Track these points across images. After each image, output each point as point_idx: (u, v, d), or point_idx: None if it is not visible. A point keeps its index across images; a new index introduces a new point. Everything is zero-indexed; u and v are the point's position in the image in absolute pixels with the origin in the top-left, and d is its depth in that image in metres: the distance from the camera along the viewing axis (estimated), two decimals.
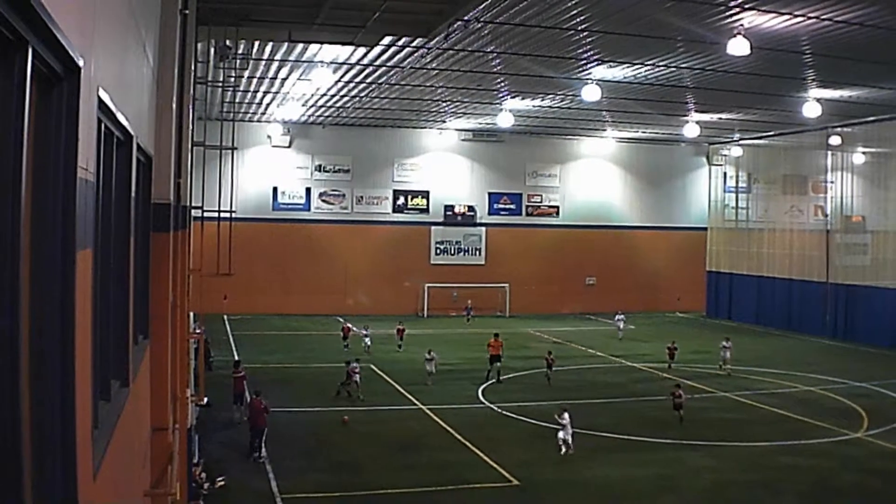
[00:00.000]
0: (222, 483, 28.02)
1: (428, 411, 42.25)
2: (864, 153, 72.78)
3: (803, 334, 72.95)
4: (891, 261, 67.43)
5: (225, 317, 70.10)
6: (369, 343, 57.28)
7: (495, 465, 33.26)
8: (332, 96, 62.73)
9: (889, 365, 57.74)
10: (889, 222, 67.71)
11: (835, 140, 71.60)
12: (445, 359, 55.68)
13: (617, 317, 67.91)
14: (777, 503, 29.55)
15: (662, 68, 48.62)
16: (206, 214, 36.01)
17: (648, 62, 47.46)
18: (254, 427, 33.45)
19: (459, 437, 37.34)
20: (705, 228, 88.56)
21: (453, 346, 62.62)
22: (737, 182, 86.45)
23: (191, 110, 27.19)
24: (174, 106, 17.22)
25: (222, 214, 35.84)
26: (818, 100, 54.06)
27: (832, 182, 74.67)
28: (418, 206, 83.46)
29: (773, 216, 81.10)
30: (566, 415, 34.69)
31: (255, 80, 56.13)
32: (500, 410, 42.82)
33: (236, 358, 45.19)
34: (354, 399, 43.32)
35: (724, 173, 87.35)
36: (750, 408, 44.91)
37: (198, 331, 36.25)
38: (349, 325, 61.24)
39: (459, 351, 60.37)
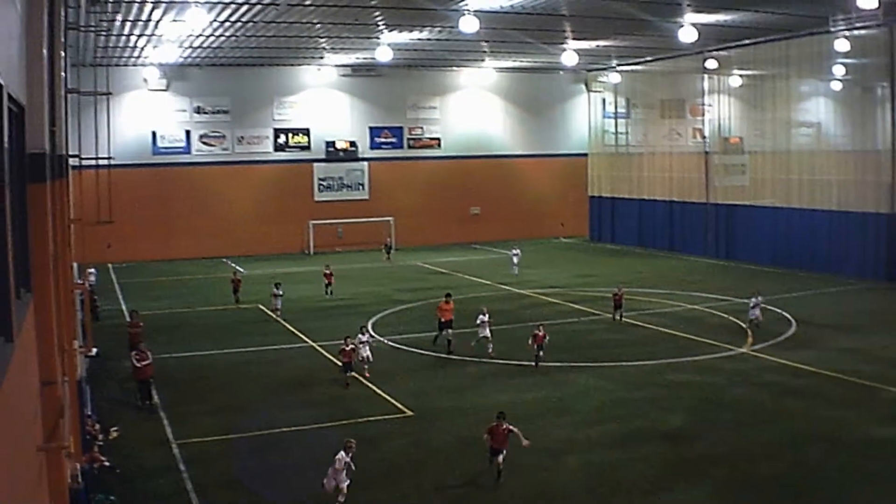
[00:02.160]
0: (117, 433, 27.86)
1: (318, 348, 42.35)
2: (740, 76, 73.89)
3: (686, 254, 74.41)
4: (769, 180, 68.74)
5: (110, 265, 69.14)
6: (279, 306, 50.75)
7: (388, 397, 33.59)
8: (208, 37, 61.74)
9: (769, 281, 59.19)
10: (766, 143, 68.99)
11: (711, 64, 72.57)
12: (335, 294, 55.77)
13: (512, 251, 66.62)
14: (667, 419, 30.28)
15: None
16: (84, 163, 35.41)
17: None
18: (140, 380, 33.11)
19: (352, 371, 37.54)
20: (586, 154, 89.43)
21: (342, 281, 62.63)
22: (616, 108, 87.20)
23: (63, 57, 26.68)
24: (45, 53, 16.90)
25: (101, 162, 35.23)
26: (694, 24, 54.64)
27: (710, 105, 75.72)
28: (300, 144, 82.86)
29: (653, 140, 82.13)
30: (484, 315, 38.97)
31: (128, 24, 54.86)
32: (390, 343, 43.10)
33: (132, 309, 44.23)
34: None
35: (603, 100, 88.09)
36: (636, 328, 45.83)
37: (80, 281, 35.65)
38: (239, 277, 57.43)
39: (348, 286, 60.41)
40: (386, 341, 43.50)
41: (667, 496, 23.70)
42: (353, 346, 35.69)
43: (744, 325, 44.76)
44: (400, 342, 43.03)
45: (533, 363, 37.19)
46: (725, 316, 47.90)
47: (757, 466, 25.66)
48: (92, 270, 52.25)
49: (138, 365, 32.91)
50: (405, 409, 32.11)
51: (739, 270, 65.67)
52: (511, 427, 23.41)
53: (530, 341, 37.43)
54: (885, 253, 58.34)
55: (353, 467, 23.74)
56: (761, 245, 68.19)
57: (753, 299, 44.55)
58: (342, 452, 23.42)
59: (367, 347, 36.75)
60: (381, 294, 55.78)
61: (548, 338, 37.61)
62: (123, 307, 53.01)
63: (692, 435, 28.71)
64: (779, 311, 48.33)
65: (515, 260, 65.26)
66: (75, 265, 35.74)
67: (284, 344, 43.63)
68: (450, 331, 40.81)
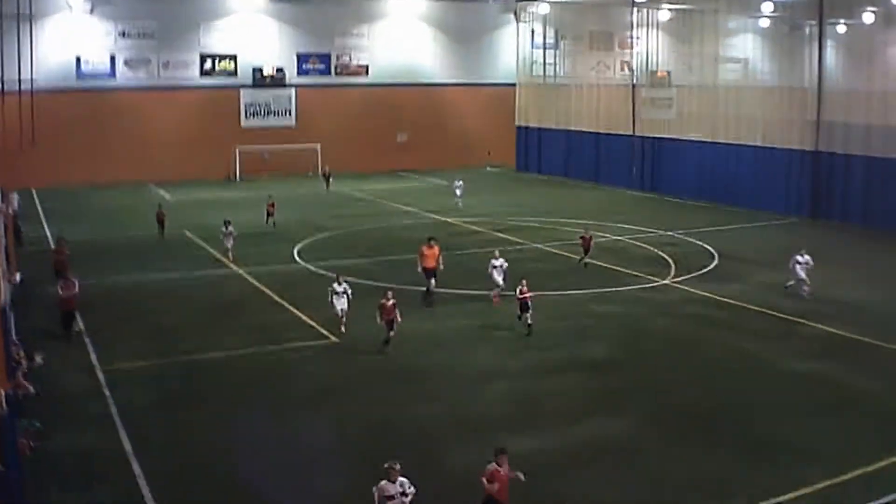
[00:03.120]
0: (41, 360, 27.66)
1: (245, 274, 42.25)
2: (669, 10, 74.16)
3: (611, 186, 74.83)
4: (695, 115, 69.24)
5: (33, 190, 68.09)
6: (230, 246, 45.10)
7: (314, 324, 33.67)
8: None
9: (693, 214, 59.96)
10: (693, 77, 69.42)
11: None
12: (261, 221, 55.50)
13: (455, 183, 64.61)
14: (590, 348, 30.67)
15: None
16: (7, 87, 34.71)
17: None
18: (64, 310, 32.52)
19: (277, 297, 37.56)
20: (514, 85, 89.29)
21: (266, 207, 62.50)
22: (544, 39, 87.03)
23: None
24: None
25: (24, 86, 34.52)
26: None
27: (638, 38, 75.93)
28: (226, 70, 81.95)
29: (581, 72, 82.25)
30: (496, 260, 36.98)
31: None
32: (315, 269, 43.11)
33: (58, 235, 43.54)
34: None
35: (532, 30, 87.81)
36: (561, 258, 46.19)
37: (2, 206, 35.11)
38: (164, 212, 53.77)
39: (277, 213, 60.21)
40: (312, 267, 43.49)
41: (588, 425, 24.05)
42: (393, 300, 30.90)
43: (666, 257, 45.30)
44: (324, 268, 42.96)
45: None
46: (649, 248, 48.38)
47: (676, 396, 26.12)
48: (15, 196, 51.56)
49: (62, 294, 32.45)
50: (329, 335, 32.21)
51: (664, 203, 66.26)
52: (516, 473, 18.00)
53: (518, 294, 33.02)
54: (809, 190, 59.10)
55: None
56: (686, 179, 68.70)
57: (799, 257, 38.04)
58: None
59: (345, 299, 32.61)
60: (307, 221, 55.66)
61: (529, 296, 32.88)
62: (48, 232, 52.41)
63: (614, 365, 29.12)
64: (702, 244, 48.97)
65: (459, 192, 64.02)
66: None
67: (211, 270, 43.44)
68: (433, 281, 37.00)
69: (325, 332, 32.52)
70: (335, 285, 32.69)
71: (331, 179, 72.06)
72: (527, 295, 32.45)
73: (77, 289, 32.66)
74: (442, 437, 23.35)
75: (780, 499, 19.73)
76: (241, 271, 42.78)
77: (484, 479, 17.60)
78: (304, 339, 32.02)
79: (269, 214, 55.13)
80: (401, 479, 17.20)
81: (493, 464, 17.64)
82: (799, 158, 59.86)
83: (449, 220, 57.86)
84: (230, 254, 44.13)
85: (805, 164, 59.41)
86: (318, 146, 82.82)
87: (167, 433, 23.70)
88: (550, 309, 35.27)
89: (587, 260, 43.30)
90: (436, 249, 37.50)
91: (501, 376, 28.10)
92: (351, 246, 48.75)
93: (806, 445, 22.45)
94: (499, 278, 36.01)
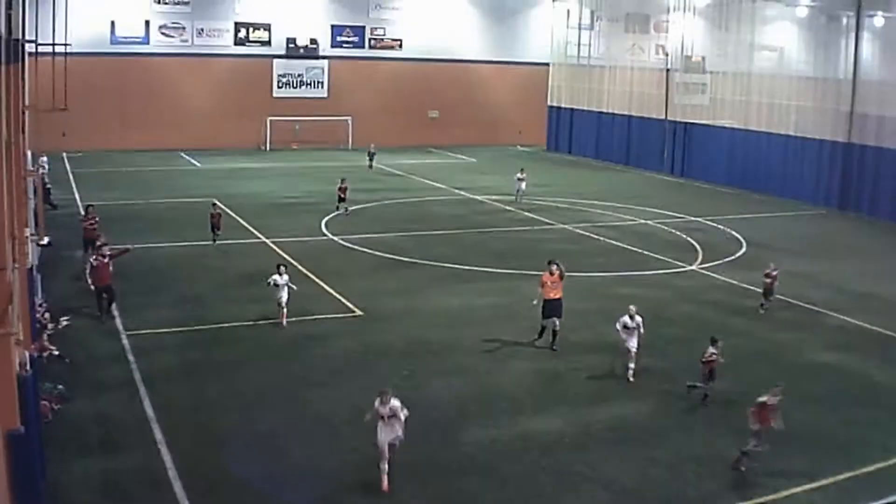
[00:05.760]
0: (67, 323, 27.80)
1: (272, 244, 42.36)
2: None
3: (641, 169, 74.65)
4: (728, 101, 68.89)
5: (64, 154, 68.39)
6: (284, 301, 30.45)
7: (339, 296, 33.75)
8: None
9: (723, 201, 59.74)
10: (728, 63, 68.93)
11: None
12: (290, 192, 55.67)
13: (518, 176, 56.79)
14: (612, 332, 30.57)
15: None
16: (40, 49, 34.71)
17: None
18: (98, 286, 30.65)
19: (303, 269, 37.58)
20: (548, 64, 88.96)
21: (298, 179, 62.68)
22: (580, 19, 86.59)
23: None
24: None
25: (58, 49, 34.49)
26: None
27: (674, 22, 75.54)
28: (260, 39, 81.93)
29: (615, 54, 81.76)
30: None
31: None
32: (342, 242, 43.18)
33: (87, 204, 42.80)
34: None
35: (568, 10, 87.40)
36: (588, 239, 46.12)
37: (32, 168, 35.07)
38: (219, 212, 43.50)
39: (304, 185, 60.42)
40: (338, 240, 43.57)
41: (607, 406, 24.07)
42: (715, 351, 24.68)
43: (693, 243, 45.19)
44: (352, 241, 43.07)
45: None
46: (677, 233, 48.26)
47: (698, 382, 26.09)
48: (44, 159, 51.76)
49: (94, 263, 30.72)
50: (355, 309, 32.29)
51: (693, 189, 66.03)
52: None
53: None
54: (839, 181, 58.78)
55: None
56: (717, 165, 68.46)
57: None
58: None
59: (286, 291, 30.05)
60: (335, 193, 55.69)
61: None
62: (77, 197, 52.60)
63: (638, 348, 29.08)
64: (730, 231, 48.80)
65: (523, 186, 56.61)
66: (29, 153, 35.27)
67: (238, 239, 43.51)
68: (557, 320, 28.72)
69: (349, 306, 32.60)
70: (276, 276, 30.21)
71: (374, 158, 70.67)
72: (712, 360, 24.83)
73: (111, 265, 30.99)
74: (463, 412, 23.39)
75: (798, 489, 19.72)
76: (268, 241, 42.87)
77: None
78: (329, 312, 32.08)
79: (340, 199, 50.83)
80: (393, 402, 19.15)
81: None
82: (830, 149, 59.51)
83: (478, 197, 57.82)
84: (284, 309, 30.37)
85: (836, 155, 59.06)
86: (350, 119, 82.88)
87: (190, 400, 23.82)
88: (575, 289, 35.09)
89: (766, 304, 33.94)
90: (557, 275, 28.82)
91: (525, 354, 28.17)
92: (379, 220, 48.80)
93: (828, 437, 22.40)
94: (632, 343, 26.32)
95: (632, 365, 25.78)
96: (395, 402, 19.20)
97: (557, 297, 28.52)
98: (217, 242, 41.77)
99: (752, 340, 30.35)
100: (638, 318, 26.36)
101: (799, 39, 63.97)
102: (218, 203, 45.42)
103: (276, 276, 30.21)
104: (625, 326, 26.32)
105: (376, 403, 19.22)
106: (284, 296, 30.14)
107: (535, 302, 28.93)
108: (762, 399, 19.74)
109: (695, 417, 23.65)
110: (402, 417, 19.24)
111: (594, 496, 19.28)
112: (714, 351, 24.56)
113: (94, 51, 73.31)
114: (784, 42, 65.61)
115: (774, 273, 33.76)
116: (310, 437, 21.73)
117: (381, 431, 19.22)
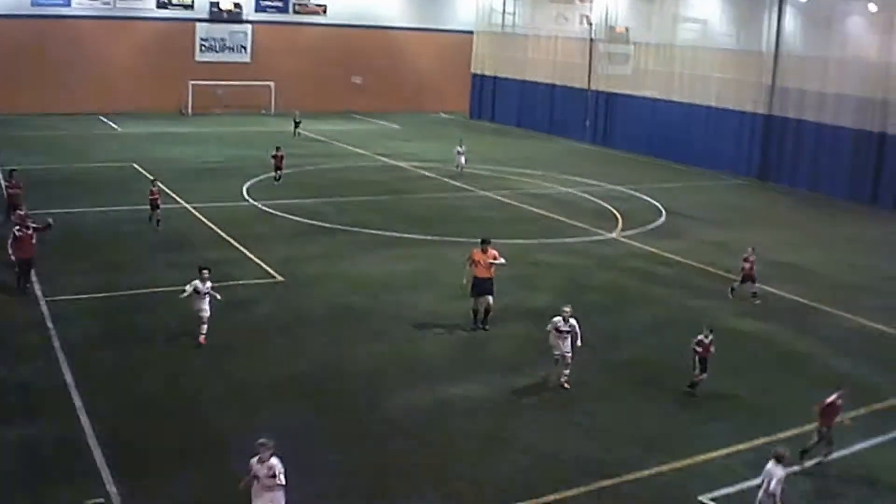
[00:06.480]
0: None
1: (192, 209, 42.01)
2: None
3: (564, 138, 74.91)
4: (651, 72, 69.23)
5: None
6: (207, 311, 25.84)
7: (260, 262, 33.62)
8: None
9: (644, 170, 60.27)
10: (651, 35, 69.17)
11: None
12: (212, 157, 55.27)
13: (458, 149, 55.79)
14: (533, 298, 30.81)
15: None
16: None
17: None
18: (21, 259, 29.41)
19: (224, 234, 37.41)
20: (472, 32, 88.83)
21: (220, 144, 62.19)
22: None
23: None
24: None
25: None
26: None
27: None
28: (183, 3, 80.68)
29: (540, 23, 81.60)
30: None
31: None
32: (263, 208, 42.97)
33: (10, 168, 41.58)
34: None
35: None
36: (510, 206, 46.33)
37: None
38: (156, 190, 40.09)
39: (225, 149, 59.96)
40: (260, 205, 43.34)
41: (528, 373, 24.23)
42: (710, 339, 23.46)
43: (613, 211, 45.57)
44: (273, 207, 42.87)
45: None
46: (598, 201, 48.60)
47: (618, 349, 26.42)
48: None
49: (18, 234, 29.39)
50: (276, 275, 32.19)
51: (616, 158, 66.46)
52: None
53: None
54: (759, 152, 59.59)
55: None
56: (639, 135, 68.95)
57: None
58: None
59: (207, 302, 25.45)
60: (257, 158, 55.21)
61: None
62: (10, 168, 51.69)
63: (557, 314, 29.27)
64: (650, 200, 49.26)
65: (463, 160, 55.28)
66: None
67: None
68: (490, 298, 27.70)
69: (271, 271, 32.50)
70: (197, 282, 25.48)
71: (300, 125, 69.52)
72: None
73: (35, 237, 29.73)
74: (385, 379, 23.47)
75: (720, 452, 20.06)
76: (189, 207, 42.50)
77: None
78: (250, 277, 31.95)
79: (277, 168, 49.57)
80: (272, 460, 15.24)
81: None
82: (751, 121, 60.29)
83: (400, 163, 57.79)
84: (204, 325, 25.56)
85: (756, 127, 59.86)
86: (273, 84, 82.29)
87: (110, 367, 23.62)
88: None
89: (754, 289, 32.23)
90: (490, 253, 27.98)
91: (445, 321, 28.23)
92: (301, 186, 48.54)
93: (745, 403, 22.74)
94: (566, 347, 23.61)
95: (566, 371, 23.43)
96: (275, 462, 15.28)
97: (488, 276, 27.52)
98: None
99: (669, 308, 30.78)
100: (573, 321, 23.59)
101: (723, 12, 64.23)
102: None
103: (196, 283, 25.47)
104: (557, 329, 23.59)
105: (253, 462, 15.34)
106: (206, 308, 25.40)
107: (464, 281, 27.78)
108: (829, 400, 19.85)
109: (613, 384, 23.90)
110: (282, 483, 15.23)
111: (514, 460, 19.46)
112: (703, 338, 23.37)
113: (15, 13, 71.95)
114: (708, 14, 65.90)
115: (752, 258, 32.16)
116: (235, 402, 21.69)
117: (255, 500, 15.52)
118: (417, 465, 19.09)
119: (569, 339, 23.41)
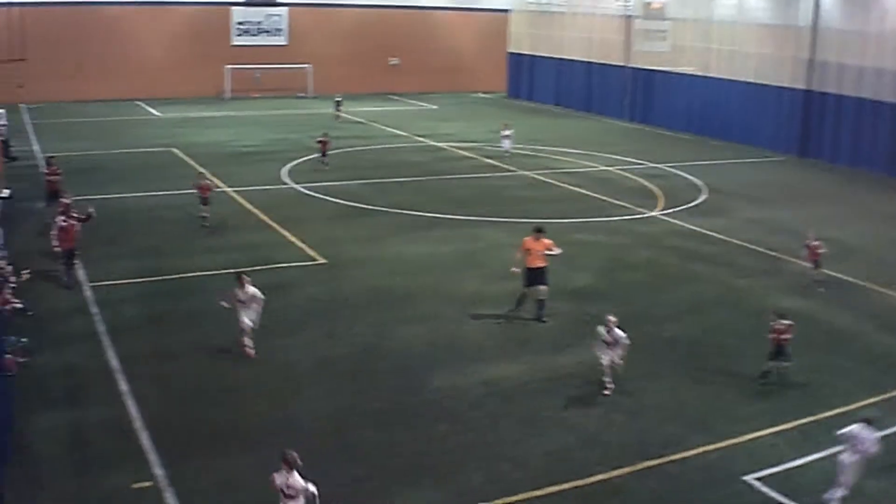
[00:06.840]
0: (28, 275, 27.50)
1: (233, 193, 42.15)
2: None
3: (602, 116, 74.67)
4: (688, 48, 68.81)
5: (22, 106, 67.57)
6: (249, 322, 23.70)
7: (302, 245, 33.74)
8: None
9: (683, 147, 59.98)
10: (688, 10, 68.74)
11: None
12: (250, 140, 55.44)
13: (504, 133, 54.87)
14: (575, 278, 30.70)
15: None
16: None
17: None
18: (65, 250, 29.19)
19: (265, 217, 37.56)
20: (508, 11, 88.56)
21: (258, 127, 62.36)
22: None
23: None
24: None
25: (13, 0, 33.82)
26: None
27: None
28: None
29: (576, 0, 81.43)
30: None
31: None
32: (304, 191, 43.06)
33: (48, 155, 41.74)
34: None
35: None
36: (550, 186, 46.21)
37: None
38: (207, 183, 38.22)
39: (264, 133, 60.11)
40: (300, 188, 43.45)
41: (572, 353, 24.17)
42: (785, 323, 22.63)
43: (654, 189, 45.37)
44: (313, 189, 42.98)
45: None
46: (638, 179, 48.41)
47: (659, 327, 26.29)
48: (2, 111, 51.23)
49: (64, 224, 29.10)
50: (318, 257, 32.29)
51: (654, 135, 66.15)
52: None
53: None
54: (799, 128, 59.07)
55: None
56: (677, 112, 68.59)
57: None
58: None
59: (254, 308, 23.34)
60: (297, 141, 55.40)
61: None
62: (36, 148, 52.06)
63: (599, 294, 29.25)
64: (690, 177, 49.01)
65: (508, 143, 54.53)
66: None
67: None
68: (543, 288, 26.80)
69: (313, 254, 32.60)
70: (237, 290, 23.33)
71: (341, 107, 69.40)
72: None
73: (79, 225, 29.67)
74: (427, 360, 23.51)
75: (765, 432, 19.98)
76: (229, 190, 42.65)
77: None
78: (292, 260, 32.06)
79: (322, 153, 49.07)
80: (249, 287, 20.36)
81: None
82: (790, 97, 59.75)
83: (439, 144, 57.77)
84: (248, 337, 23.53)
85: (796, 103, 59.31)
86: (310, 67, 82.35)
87: (153, 351, 23.82)
88: None
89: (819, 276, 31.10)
90: (544, 242, 27.09)
91: (489, 301, 28.21)
92: (341, 168, 48.59)
93: (790, 382, 22.59)
94: (606, 357, 22.07)
95: (607, 379, 21.83)
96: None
97: (542, 265, 26.72)
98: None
99: (712, 286, 30.65)
100: (618, 332, 21.91)
101: None
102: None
103: (236, 291, 23.34)
104: (602, 340, 22.07)
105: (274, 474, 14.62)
106: (250, 319, 23.31)
107: (514, 269, 27.05)
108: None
109: (656, 363, 23.82)
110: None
111: (558, 441, 19.46)
112: (784, 323, 22.49)
113: (52, 1, 72.25)
114: None
115: (815, 243, 30.76)
116: (275, 388, 21.79)
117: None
118: (461, 446, 19.13)
119: (614, 350, 21.96)
